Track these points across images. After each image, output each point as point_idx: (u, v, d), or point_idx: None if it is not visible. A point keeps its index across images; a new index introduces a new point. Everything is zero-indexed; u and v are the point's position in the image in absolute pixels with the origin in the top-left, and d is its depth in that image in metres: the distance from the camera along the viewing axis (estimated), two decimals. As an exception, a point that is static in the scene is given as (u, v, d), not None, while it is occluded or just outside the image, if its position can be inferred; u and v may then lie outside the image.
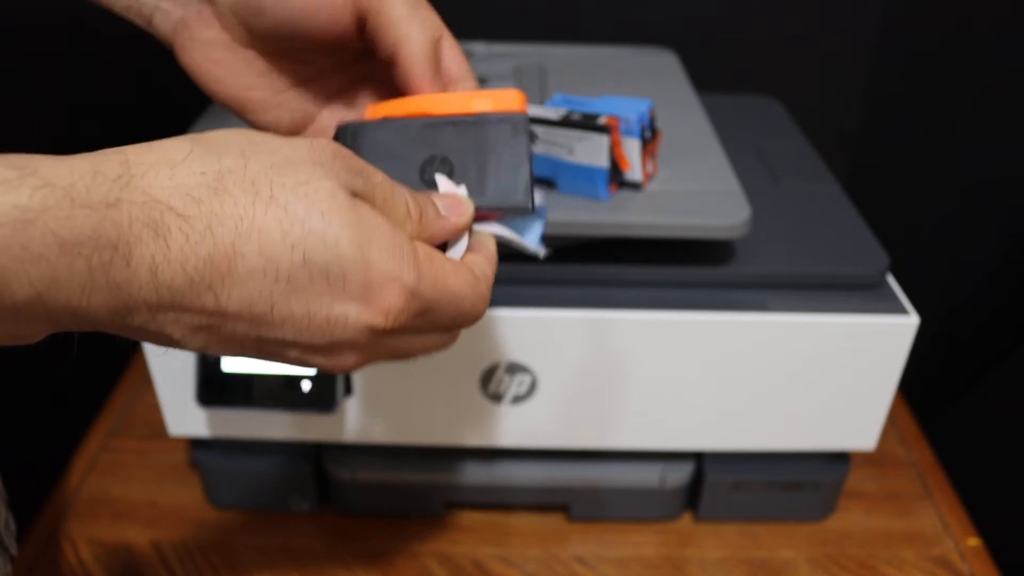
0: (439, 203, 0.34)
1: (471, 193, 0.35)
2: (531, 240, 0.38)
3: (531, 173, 0.35)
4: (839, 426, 0.57)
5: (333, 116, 0.41)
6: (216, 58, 0.39)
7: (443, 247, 0.34)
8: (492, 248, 0.36)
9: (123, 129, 0.85)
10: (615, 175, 0.52)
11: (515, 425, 0.56)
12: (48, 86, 0.78)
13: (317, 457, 0.61)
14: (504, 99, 0.35)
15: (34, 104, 0.77)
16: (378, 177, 0.31)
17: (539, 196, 0.37)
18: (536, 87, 0.68)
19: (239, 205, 0.27)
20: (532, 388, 0.54)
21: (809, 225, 0.58)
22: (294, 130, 0.41)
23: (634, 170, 0.52)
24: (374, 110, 0.37)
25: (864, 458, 0.69)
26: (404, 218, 0.32)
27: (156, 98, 0.83)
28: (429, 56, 0.36)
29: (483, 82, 0.70)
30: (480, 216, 0.35)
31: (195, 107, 0.64)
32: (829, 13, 0.85)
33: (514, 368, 0.53)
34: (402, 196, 0.32)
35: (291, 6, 0.36)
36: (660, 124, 0.53)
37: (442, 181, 0.35)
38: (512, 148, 0.34)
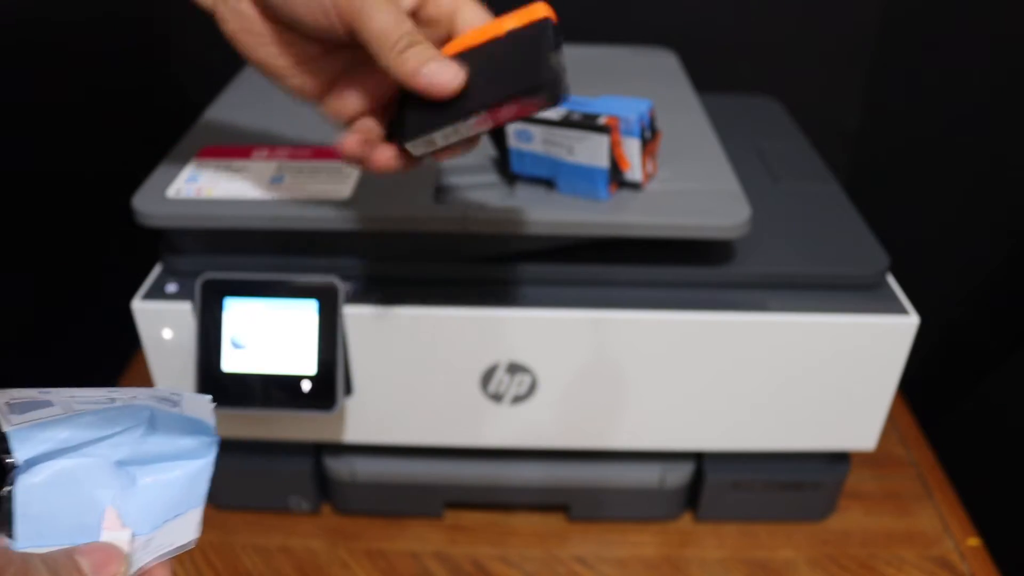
0: (87, 563, 0.30)
1: (503, 85, 0.36)
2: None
3: (556, 63, 0.36)
4: (839, 426, 0.57)
5: (354, 82, 0.42)
6: (249, 28, 0.41)
7: None
8: None
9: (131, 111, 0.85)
10: (615, 175, 0.51)
11: (515, 425, 0.56)
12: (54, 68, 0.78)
13: (317, 457, 0.61)
14: (529, 13, 0.37)
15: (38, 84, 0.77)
16: (10, 571, 0.28)
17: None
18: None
19: None
20: (532, 388, 0.54)
21: (809, 225, 0.58)
22: (321, 92, 0.42)
23: (634, 170, 0.52)
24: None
25: (864, 458, 0.69)
26: None
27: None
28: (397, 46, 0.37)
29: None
30: (515, 103, 0.36)
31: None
32: (829, 13, 0.85)
33: (514, 368, 0.53)
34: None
35: (292, 9, 0.39)
36: (660, 124, 0.53)
37: (110, 517, 0.32)
38: (535, 44, 0.36)
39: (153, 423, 0.33)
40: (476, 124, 0.37)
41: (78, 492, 0.32)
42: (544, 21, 0.37)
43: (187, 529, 0.32)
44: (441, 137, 0.38)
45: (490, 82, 0.36)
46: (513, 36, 0.37)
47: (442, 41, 0.40)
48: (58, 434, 0.32)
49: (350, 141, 0.41)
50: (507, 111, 0.36)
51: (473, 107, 0.36)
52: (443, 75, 0.37)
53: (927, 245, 0.89)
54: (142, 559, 0.32)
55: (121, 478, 0.33)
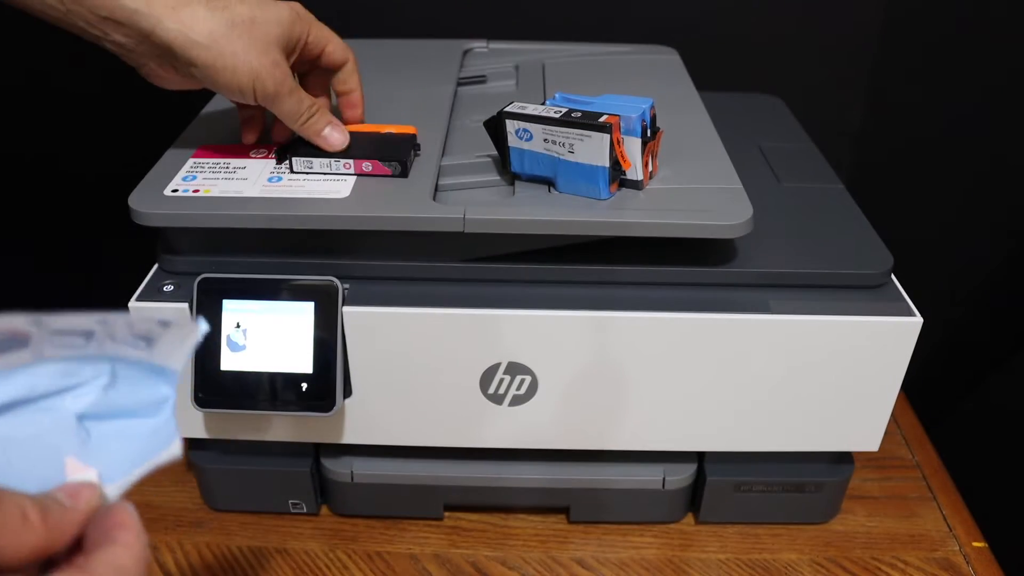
0: (60, 494, 0.30)
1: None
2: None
3: (412, 157, 0.54)
4: (842, 427, 0.56)
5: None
6: (175, 83, 0.50)
7: None
8: (134, 524, 0.31)
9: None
10: (616, 174, 0.51)
11: (515, 426, 0.56)
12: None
13: (315, 458, 0.61)
14: (404, 128, 0.56)
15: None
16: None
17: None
18: (537, 85, 0.67)
19: None
20: (532, 388, 0.54)
21: (812, 224, 0.57)
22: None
23: (635, 169, 0.51)
24: None
25: (867, 460, 0.68)
26: (19, 527, 0.28)
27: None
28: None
29: (483, 81, 0.69)
30: (376, 162, 0.53)
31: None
32: (832, 11, 0.85)
33: (514, 368, 0.53)
34: (15, 504, 0.28)
35: (216, 84, 0.48)
36: (662, 122, 0.53)
37: (71, 464, 0.32)
38: (404, 144, 0.54)
39: (115, 374, 0.32)
40: (344, 166, 0.53)
41: (36, 446, 0.31)
42: (413, 135, 0.55)
43: (166, 455, 0.33)
44: (318, 165, 0.53)
45: (366, 148, 0.54)
46: (391, 136, 0.55)
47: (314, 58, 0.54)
48: (16, 384, 0.31)
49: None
50: (368, 164, 0.52)
51: (349, 153, 0.53)
52: (334, 137, 0.53)
53: (928, 245, 0.89)
54: (118, 491, 0.32)
55: (80, 432, 0.32)
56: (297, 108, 0.51)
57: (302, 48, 0.52)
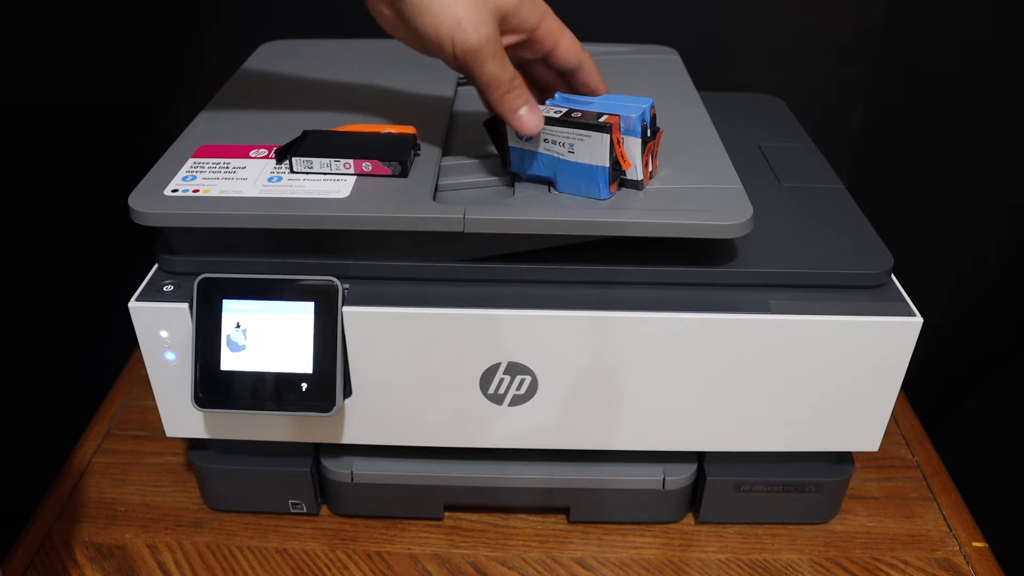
0: None
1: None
2: None
3: (411, 157, 0.53)
4: (842, 427, 0.56)
5: None
6: (389, 23, 0.49)
7: None
8: None
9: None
10: (616, 174, 0.51)
11: (515, 426, 0.56)
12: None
13: (315, 458, 0.61)
14: (404, 128, 0.56)
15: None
16: None
17: None
18: (536, 85, 0.67)
19: None
20: (532, 388, 0.54)
21: (812, 224, 0.57)
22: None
23: (635, 169, 0.51)
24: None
25: (868, 460, 0.68)
26: None
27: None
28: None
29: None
30: (376, 163, 0.52)
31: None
32: (832, 11, 0.85)
33: (514, 368, 0.53)
34: None
35: (416, 28, 0.46)
36: (662, 122, 0.53)
37: None
38: (404, 144, 0.54)
39: None
40: (344, 165, 0.52)
41: None
42: (413, 135, 0.55)
43: None
44: (318, 165, 0.52)
45: (366, 148, 0.53)
46: (391, 136, 0.55)
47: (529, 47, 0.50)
48: None
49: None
50: (368, 164, 0.52)
51: (349, 154, 0.52)
52: (530, 119, 0.48)
53: (928, 245, 0.89)
54: None
55: None
56: (500, 75, 0.46)
57: (529, 35, 0.48)
